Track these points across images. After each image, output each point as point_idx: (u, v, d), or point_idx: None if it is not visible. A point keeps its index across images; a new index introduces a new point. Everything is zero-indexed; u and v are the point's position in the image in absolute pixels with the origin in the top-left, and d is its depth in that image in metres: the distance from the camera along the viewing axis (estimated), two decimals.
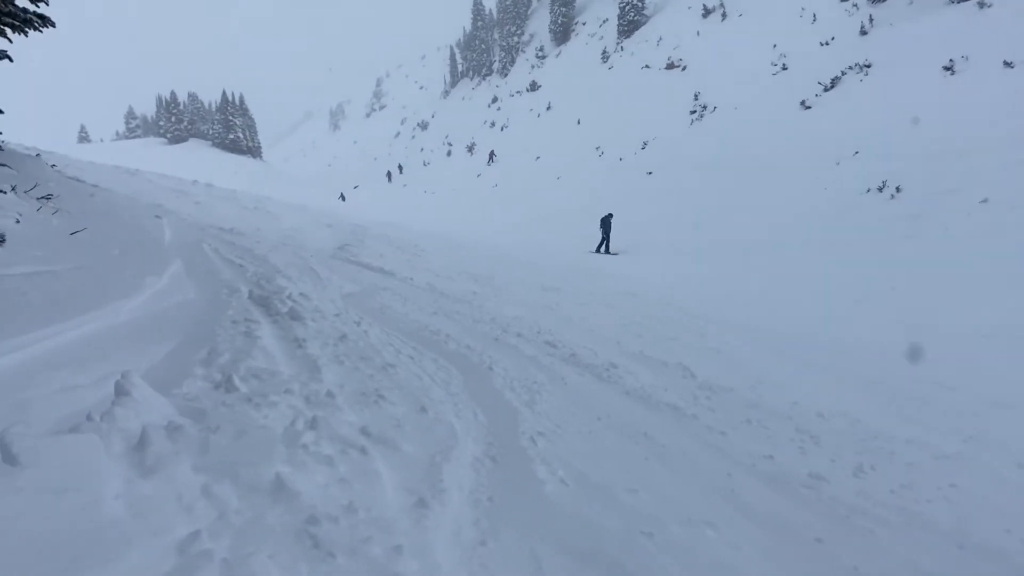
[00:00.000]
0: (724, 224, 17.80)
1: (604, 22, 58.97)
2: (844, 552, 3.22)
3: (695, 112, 30.70)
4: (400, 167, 51.60)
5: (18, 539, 1.87)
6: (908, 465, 4.56)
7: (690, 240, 17.60)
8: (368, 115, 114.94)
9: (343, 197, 41.31)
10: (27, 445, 2.30)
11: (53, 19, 9.22)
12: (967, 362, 7.67)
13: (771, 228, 16.09)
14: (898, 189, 14.82)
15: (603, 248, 18.46)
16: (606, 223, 18.47)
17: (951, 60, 19.19)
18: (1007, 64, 17.38)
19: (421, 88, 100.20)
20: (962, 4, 22.70)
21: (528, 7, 75.99)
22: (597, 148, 33.68)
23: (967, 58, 18.93)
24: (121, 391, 2.98)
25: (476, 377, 5.34)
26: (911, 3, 25.67)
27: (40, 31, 9.18)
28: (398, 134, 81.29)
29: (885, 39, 24.30)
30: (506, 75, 69.53)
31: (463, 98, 73.97)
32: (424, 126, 75.08)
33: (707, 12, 43.42)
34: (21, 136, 19.43)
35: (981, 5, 21.48)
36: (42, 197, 8.41)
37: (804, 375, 7.19)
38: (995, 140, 14.29)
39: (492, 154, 39.78)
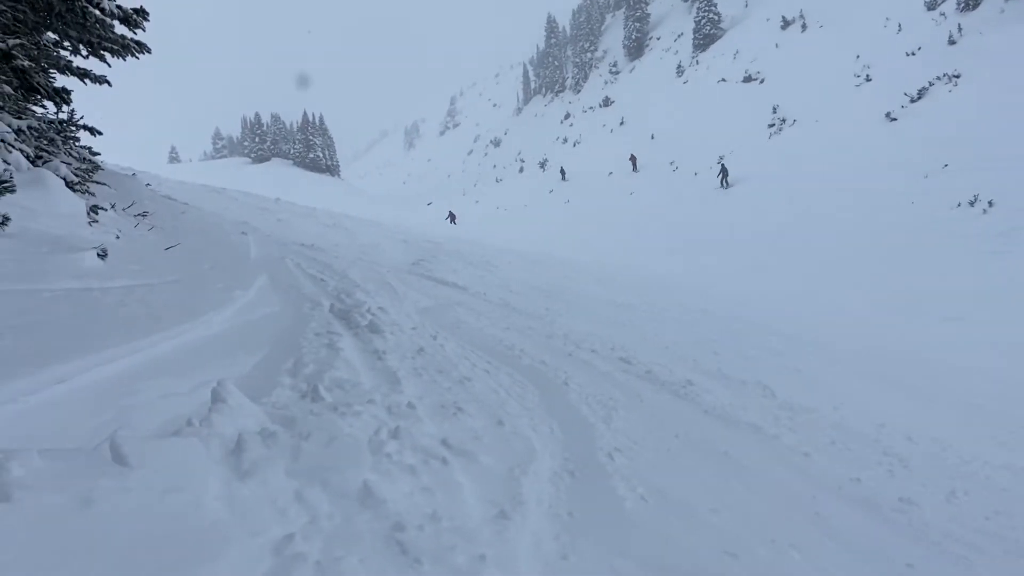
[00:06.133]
0: (798, 237, 17.24)
1: (679, 36, 58.51)
2: None
3: (773, 125, 30.04)
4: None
5: (129, 536, 1.98)
6: (1003, 491, 4.32)
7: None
8: (442, 133, 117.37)
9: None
10: (135, 447, 2.43)
11: (149, 46, 9.79)
12: None
13: (852, 244, 15.49)
14: (990, 203, 14.08)
15: None
16: None
17: None
18: None
19: (494, 106, 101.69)
20: None
21: (602, 23, 76.19)
22: (671, 163, 33.26)
23: None
24: (218, 398, 3.12)
25: (551, 392, 5.33)
26: (1002, 12, 24.49)
27: (137, 57, 9.77)
28: (471, 151, 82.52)
29: (975, 48, 23.24)
30: (579, 91, 69.69)
31: (536, 115, 74.45)
32: (497, 143, 75.93)
33: (786, 24, 42.55)
34: (117, 157, 20.68)
35: None
36: (139, 214, 8.94)
37: (890, 396, 6.90)
38: None
39: (563, 171, 39.28)
